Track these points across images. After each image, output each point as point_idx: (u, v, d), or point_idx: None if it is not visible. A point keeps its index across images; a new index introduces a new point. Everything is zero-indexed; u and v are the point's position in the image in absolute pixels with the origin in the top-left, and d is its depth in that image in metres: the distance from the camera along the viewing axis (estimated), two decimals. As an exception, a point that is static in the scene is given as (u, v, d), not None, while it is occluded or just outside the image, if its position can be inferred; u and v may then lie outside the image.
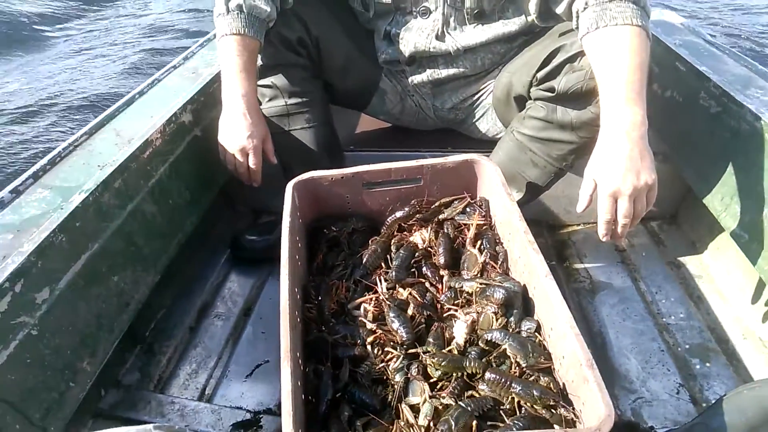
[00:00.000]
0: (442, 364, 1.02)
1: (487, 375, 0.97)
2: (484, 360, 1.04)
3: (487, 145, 1.66)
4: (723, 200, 1.42)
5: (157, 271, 1.30)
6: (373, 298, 1.16)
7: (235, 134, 1.41)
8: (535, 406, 0.95)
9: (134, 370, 1.36)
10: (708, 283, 1.57)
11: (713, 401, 1.25)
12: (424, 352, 1.05)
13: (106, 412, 1.25)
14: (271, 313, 1.49)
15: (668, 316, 1.48)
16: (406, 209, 1.34)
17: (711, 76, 1.52)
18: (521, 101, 1.45)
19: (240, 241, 1.70)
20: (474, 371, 1.02)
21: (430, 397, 0.99)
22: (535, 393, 0.94)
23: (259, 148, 1.44)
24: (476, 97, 1.65)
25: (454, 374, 1.03)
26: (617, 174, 1.12)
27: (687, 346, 1.39)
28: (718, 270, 1.58)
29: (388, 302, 1.13)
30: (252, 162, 1.44)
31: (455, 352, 1.07)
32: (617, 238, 1.20)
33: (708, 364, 1.34)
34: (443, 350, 1.06)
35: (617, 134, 1.13)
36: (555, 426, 0.92)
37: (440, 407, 0.97)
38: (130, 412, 1.24)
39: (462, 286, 1.18)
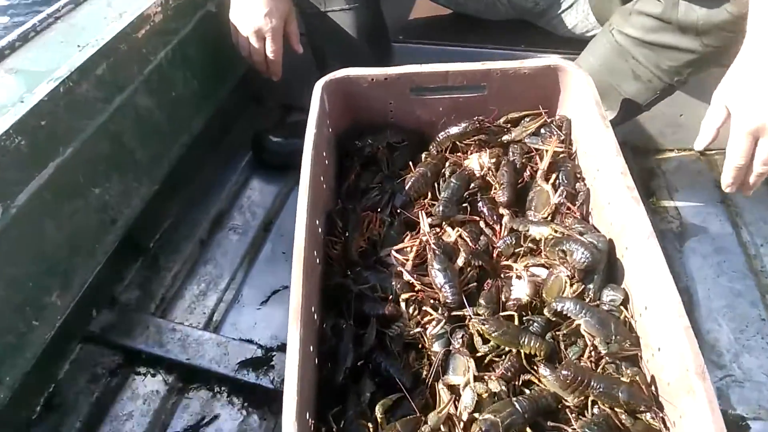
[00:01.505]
0: (494, 334, 0.80)
1: (564, 372, 0.74)
2: (548, 337, 0.81)
3: (572, 45, 1.34)
4: None
5: (154, 181, 1.09)
6: (414, 244, 0.91)
7: (249, 11, 1.14)
8: (619, 410, 0.72)
9: (134, 288, 1.20)
10: (831, 239, 1.26)
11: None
12: (474, 314, 0.83)
13: (96, 335, 1.11)
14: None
15: (774, 277, 1.21)
16: (464, 125, 1.07)
17: None
18: (629, -11, 1.09)
19: (264, 143, 1.47)
20: (533, 352, 0.79)
21: (475, 379, 0.78)
22: (621, 396, 0.72)
23: (279, 30, 1.17)
24: (566, -21, 1.28)
25: (507, 350, 0.80)
26: (765, 104, 0.81)
27: (795, 318, 1.13)
28: None
29: (434, 247, 0.89)
30: (270, 48, 1.18)
31: (514, 320, 0.84)
32: (746, 189, 0.90)
33: (821, 344, 1.09)
34: (498, 316, 0.84)
35: None
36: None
37: (485, 395, 0.76)
38: (124, 338, 1.10)
39: (528, 230, 0.93)
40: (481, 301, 0.85)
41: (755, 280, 1.22)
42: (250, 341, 1.12)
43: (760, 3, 0.83)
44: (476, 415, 0.74)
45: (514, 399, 0.74)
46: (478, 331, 0.82)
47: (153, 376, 1.06)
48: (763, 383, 1.05)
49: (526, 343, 0.80)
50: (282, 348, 1.11)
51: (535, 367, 0.80)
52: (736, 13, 0.92)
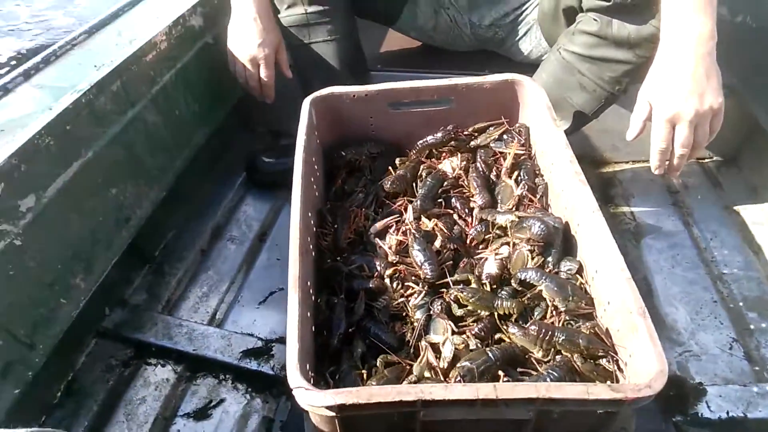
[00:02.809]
0: (471, 299, 0.91)
1: (532, 327, 0.85)
2: (518, 300, 0.93)
3: (530, 69, 1.48)
4: (801, 139, 1.23)
5: (161, 188, 1.20)
6: (398, 223, 1.04)
7: (245, 41, 1.27)
8: (577, 356, 0.83)
9: (141, 291, 1.29)
10: (770, 231, 1.41)
11: (770, 360, 1.13)
12: (454, 283, 0.95)
13: (110, 331, 1.19)
14: (288, 241, 1.41)
15: (723, 265, 1.34)
16: (440, 134, 1.21)
17: None
18: (571, 14, 1.26)
19: (256, 163, 1.59)
20: (507, 312, 0.91)
21: (453, 334, 0.89)
22: (581, 342, 0.83)
23: (271, 58, 1.31)
24: (519, 12, 1.46)
25: (483, 314, 0.92)
26: (678, 96, 0.97)
27: (743, 299, 1.25)
28: (783, 218, 1.41)
29: (413, 232, 1.01)
30: (264, 73, 1.32)
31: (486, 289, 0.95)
32: (672, 171, 1.05)
33: (766, 320, 1.20)
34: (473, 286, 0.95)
35: (681, 48, 0.96)
36: (596, 379, 0.81)
37: (462, 347, 0.87)
38: (135, 333, 1.18)
39: (495, 219, 1.06)
40: (457, 276, 0.97)
41: (706, 269, 1.34)
42: (251, 335, 1.20)
43: (668, 18, 1.00)
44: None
45: (488, 349, 0.85)
46: (455, 298, 0.93)
47: (163, 366, 1.14)
48: (718, 355, 1.15)
49: (500, 305, 0.91)
50: (281, 340, 1.19)
51: (505, 327, 0.91)
52: (660, 27, 1.06)
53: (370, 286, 0.96)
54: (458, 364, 0.83)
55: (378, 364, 0.85)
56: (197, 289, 1.32)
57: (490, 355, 0.83)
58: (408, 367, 0.84)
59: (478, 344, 0.88)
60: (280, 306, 1.28)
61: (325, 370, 0.87)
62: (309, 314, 0.87)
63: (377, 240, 1.05)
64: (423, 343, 0.88)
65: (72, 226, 0.95)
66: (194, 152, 1.32)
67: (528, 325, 0.88)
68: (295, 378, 0.72)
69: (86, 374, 1.11)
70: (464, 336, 0.88)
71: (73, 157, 0.97)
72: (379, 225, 1.06)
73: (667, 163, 1.04)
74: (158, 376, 1.13)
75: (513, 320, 0.90)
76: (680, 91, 0.97)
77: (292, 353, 0.74)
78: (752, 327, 1.20)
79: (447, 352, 0.85)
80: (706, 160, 1.64)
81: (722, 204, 1.51)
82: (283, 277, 1.33)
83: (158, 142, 1.19)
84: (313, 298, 0.94)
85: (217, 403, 1.09)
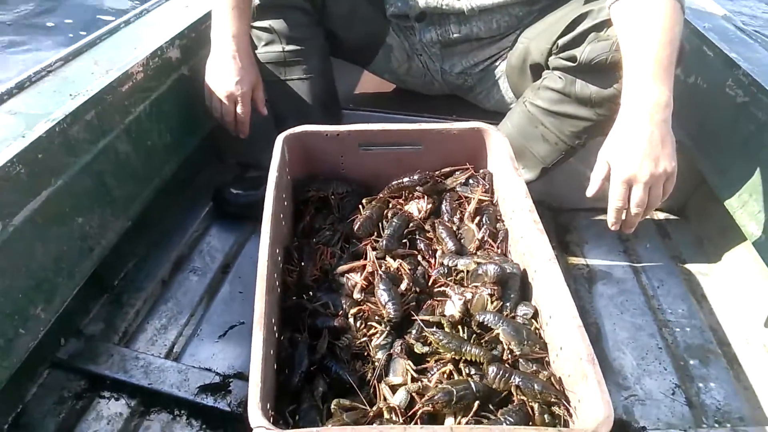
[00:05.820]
0: (442, 342, 0.93)
1: (490, 368, 0.88)
2: (485, 348, 0.95)
3: (495, 116, 1.56)
4: (740, 197, 1.33)
5: (128, 217, 1.20)
6: (364, 267, 1.06)
7: (223, 78, 1.30)
8: (533, 401, 0.86)
9: (98, 321, 1.27)
10: (713, 281, 1.50)
11: (709, 405, 1.20)
12: (425, 323, 0.97)
13: (64, 362, 1.16)
14: (251, 273, 1.40)
15: (669, 313, 1.41)
16: (416, 177, 1.24)
17: (741, 63, 1.42)
18: (537, 70, 1.34)
19: (223, 195, 1.60)
20: (474, 359, 0.93)
21: (413, 380, 0.91)
22: (535, 387, 0.86)
23: (248, 96, 1.34)
24: (488, 62, 1.53)
25: (447, 356, 0.94)
26: (634, 158, 1.03)
27: (686, 346, 1.33)
28: (725, 269, 1.51)
29: (380, 272, 1.04)
30: (240, 110, 1.34)
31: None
32: (626, 227, 1.11)
33: (707, 367, 1.28)
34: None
35: (638, 114, 1.03)
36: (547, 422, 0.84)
37: (417, 393, 0.89)
38: (90, 364, 1.16)
39: (456, 265, 1.09)
40: (430, 317, 1.00)
41: (653, 316, 1.41)
42: (209, 369, 1.19)
43: (629, 85, 1.07)
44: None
45: (470, 379, 0.87)
46: (422, 338, 0.96)
47: (116, 399, 1.12)
48: (661, 400, 1.21)
49: (468, 351, 0.93)
50: (239, 376, 1.19)
51: (467, 370, 0.94)
52: (621, 89, 1.12)
53: (334, 324, 0.98)
54: (440, 385, 0.85)
55: (332, 409, 0.86)
56: (156, 320, 1.30)
57: (473, 385, 0.86)
58: (367, 411, 0.86)
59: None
60: (240, 340, 1.28)
61: (285, 408, 0.87)
62: (272, 352, 0.88)
63: (343, 278, 1.07)
64: (382, 384, 0.90)
65: (36, 255, 0.94)
66: (163, 182, 1.32)
67: (486, 366, 0.91)
68: (256, 418, 0.72)
69: (37, 406, 1.08)
70: (419, 383, 0.90)
71: (43, 185, 0.96)
72: (345, 267, 1.08)
73: (622, 219, 1.10)
74: (111, 409, 1.10)
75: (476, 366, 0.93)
76: (637, 154, 1.02)
77: (254, 392, 0.75)
78: (694, 374, 1.27)
79: (400, 398, 0.87)
80: (656, 212, 1.74)
81: (669, 254, 1.60)
82: (244, 311, 1.36)
83: (128, 172, 1.19)
84: (276, 335, 0.95)
85: (170, 440, 1.07)
